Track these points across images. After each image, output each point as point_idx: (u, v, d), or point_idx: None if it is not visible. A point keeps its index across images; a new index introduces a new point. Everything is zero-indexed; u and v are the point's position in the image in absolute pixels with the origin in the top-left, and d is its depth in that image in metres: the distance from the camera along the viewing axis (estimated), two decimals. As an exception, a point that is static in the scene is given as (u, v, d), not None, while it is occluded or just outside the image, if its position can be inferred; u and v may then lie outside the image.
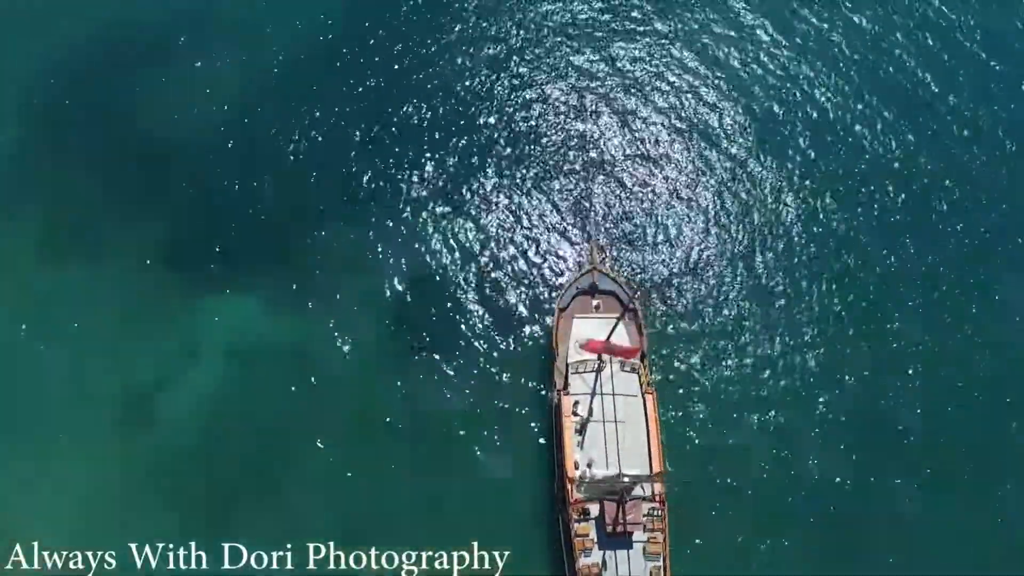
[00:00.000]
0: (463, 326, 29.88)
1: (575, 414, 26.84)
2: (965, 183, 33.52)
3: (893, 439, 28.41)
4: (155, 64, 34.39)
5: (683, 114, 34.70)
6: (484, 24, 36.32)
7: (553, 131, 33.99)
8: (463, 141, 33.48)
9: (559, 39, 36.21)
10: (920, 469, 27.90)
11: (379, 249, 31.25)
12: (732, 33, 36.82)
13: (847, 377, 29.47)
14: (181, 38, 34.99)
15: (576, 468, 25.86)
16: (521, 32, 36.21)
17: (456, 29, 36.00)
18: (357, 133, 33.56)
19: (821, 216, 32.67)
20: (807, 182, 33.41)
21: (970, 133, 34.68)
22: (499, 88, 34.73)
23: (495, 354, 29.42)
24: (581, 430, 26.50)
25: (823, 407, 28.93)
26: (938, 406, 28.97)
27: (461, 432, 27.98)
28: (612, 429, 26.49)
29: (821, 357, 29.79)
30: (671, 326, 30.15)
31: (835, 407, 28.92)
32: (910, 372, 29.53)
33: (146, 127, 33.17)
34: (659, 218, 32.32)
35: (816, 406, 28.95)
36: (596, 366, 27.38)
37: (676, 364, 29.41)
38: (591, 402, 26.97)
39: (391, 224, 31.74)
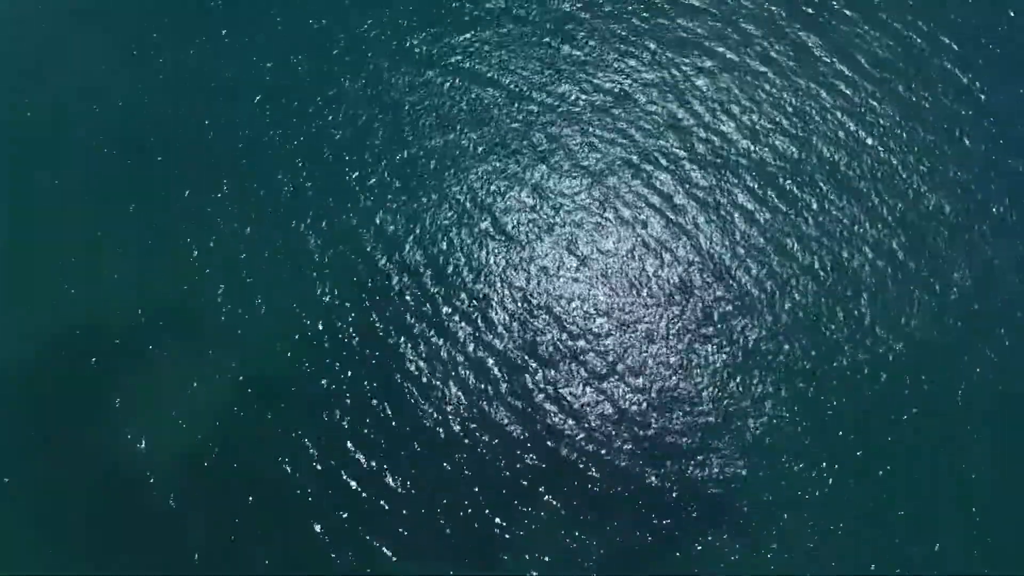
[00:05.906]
0: None
1: None
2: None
3: None
4: (124, 372, 30.53)
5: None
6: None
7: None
8: (459, 459, 28.29)
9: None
10: None
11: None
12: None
13: None
14: (152, 343, 31.33)
15: None
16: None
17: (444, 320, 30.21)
18: (350, 450, 29.18)
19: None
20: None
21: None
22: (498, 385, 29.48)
23: None
24: None
25: None
26: None
27: None
28: None
29: None
30: None
31: None
32: None
33: (111, 448, 28.74)
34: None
35: None
36: None
37: None
38: None
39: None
